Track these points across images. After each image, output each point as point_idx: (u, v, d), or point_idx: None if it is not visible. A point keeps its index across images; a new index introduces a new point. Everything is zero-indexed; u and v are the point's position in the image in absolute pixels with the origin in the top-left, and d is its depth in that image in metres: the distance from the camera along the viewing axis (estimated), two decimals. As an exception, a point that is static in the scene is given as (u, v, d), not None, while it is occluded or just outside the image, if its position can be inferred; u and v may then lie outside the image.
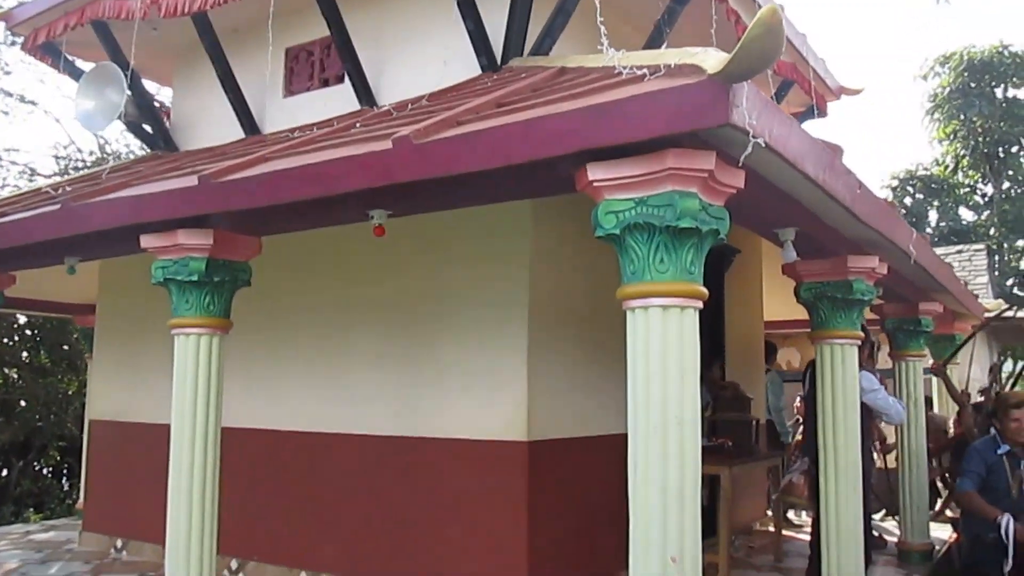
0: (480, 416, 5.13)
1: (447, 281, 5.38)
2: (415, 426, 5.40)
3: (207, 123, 7.50)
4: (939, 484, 8.92)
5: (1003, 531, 5.37)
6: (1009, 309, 10.33)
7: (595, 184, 2.94)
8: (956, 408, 8.39)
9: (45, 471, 14.58)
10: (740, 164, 2.81)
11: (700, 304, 2.97)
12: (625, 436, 5.84)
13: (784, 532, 7.45)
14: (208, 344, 4.31)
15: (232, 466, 6.26)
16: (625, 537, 5.85)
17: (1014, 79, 20.14)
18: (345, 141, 3.76)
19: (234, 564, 6.19)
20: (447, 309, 5.35)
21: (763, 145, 2.76)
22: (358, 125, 4.63)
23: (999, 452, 5.28)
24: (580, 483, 5.40)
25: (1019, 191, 20.19)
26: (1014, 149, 20.33)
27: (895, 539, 7.27)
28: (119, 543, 7.06)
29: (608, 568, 5.67)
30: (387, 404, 5.55)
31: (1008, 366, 18.33)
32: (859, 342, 5.10)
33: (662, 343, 2.87)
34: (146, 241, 4.26)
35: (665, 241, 2.87)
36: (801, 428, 6.15)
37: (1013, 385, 7.94)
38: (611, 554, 5.77)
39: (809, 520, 8.92)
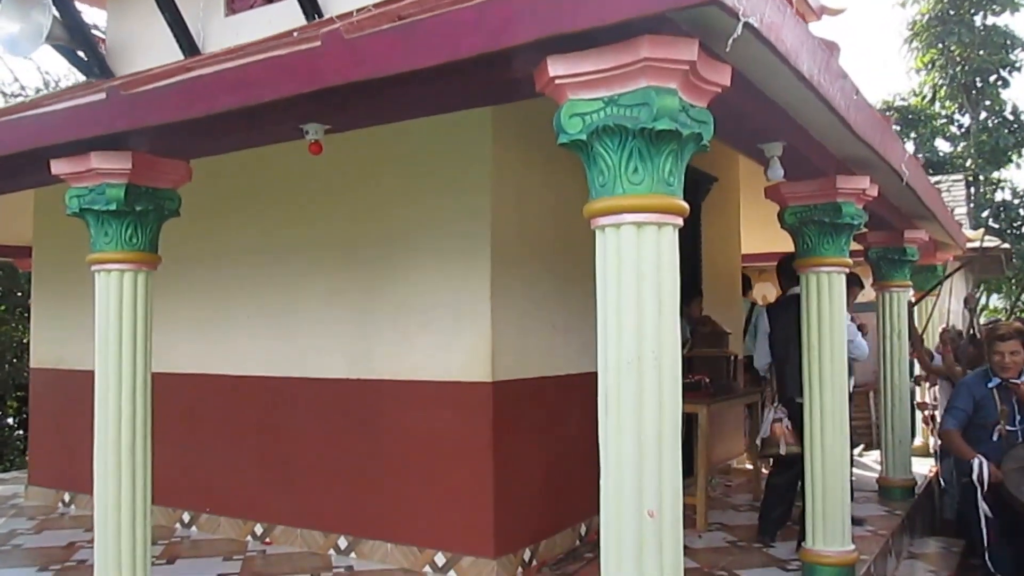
0: (441, 356, 4.74)
1: (402, 210, 4.93)
2: (372, 368, 5.01)
3: (145, 47, 6.91)
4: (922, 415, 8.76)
5: (975, 474, 5.15)
6: (990, 241, 10.12)
7: (557, 82, 2.50)
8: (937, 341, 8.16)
9: (7, 421, 14.13)
10: (727, 48, 2.38)
11: (680, 221, 2.57)
12: (596, 374, 5.57)
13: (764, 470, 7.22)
14: (132, 281, 3.86)
15: (180, 415, 5.90)
16: (598, 481, 5.59)
17: (993, 6, 19.68)
18: (275, 47, 3.27)
19: (186, 517, 5.84)
20: (403, 240, 4.92)
21: (754, 27, 2.33)
22: (296, 35, 4.13)
23: (989, 385, 5.00)
24: (549, 425, 5.07)
25: (996, 121, 19.88)
26: (992, 78, 19.95)
27: (875, 475, 7.07)
28: (66, 497, 6.68)
29: (580, 514, 5.39)
30: (342, 345, 5.15)
31: (983, 300, 18.29)
32: (847, 270, 4.75)
33: (636, 266, 2.48)
34: (57, 167, 3.78)
35: (639, 147, 2.45)
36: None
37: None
38: (584, 499, 5.48)
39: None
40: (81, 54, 7.31)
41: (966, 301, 7.17)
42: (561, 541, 5.14)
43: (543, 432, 5.01)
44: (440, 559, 4.70)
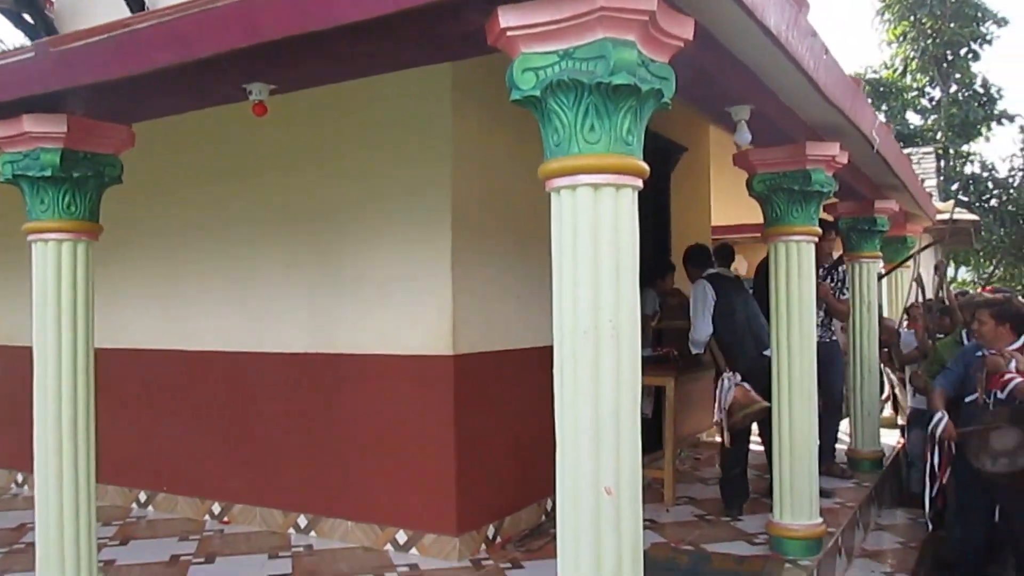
0: (402, 329, 4.59)
1: (360, 178, 4.75)
2: (331, 341, 4.85)
3: (94, 10, 6.66)
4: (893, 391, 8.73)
5: (930, 426, 5.09)
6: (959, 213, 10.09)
7: (508, 34, 2.35)
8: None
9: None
10: (688, -5, 2.23)
11: (639, 183, 2.43)
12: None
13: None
14: (72, 252, 3.66)
15: (134, 392, 5.72)
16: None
17: (964, -22, 19.65)
18: (215, 2, 3.07)
19: (143, 496, 5.67)
20: (362, 210, 4.74)
21: (717, -24, 2.19)
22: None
23: (978, 354, 4.94)
24: (513, 399, 4.94)
25: (967, 95, 19.92)
26: (963, 51, 19.97)
27: (844, 446, 7.04)
28: (19, 477, 6.48)
29: (545, 489, 5.28)
30: (300, 318, 4.98)
31: (950, 271, 18.42)
32: (816, 239, 4.65)
33: (592, 230, 2.34)
34: (-14, 130, 3.56)
35: (596, 103, 2.30)
36: None
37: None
38: (548, 474, 5.37)
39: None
40: (28, 18, 7.04)
41: (936, 268, 7.09)
42: (526, 517, 5.04)
43: (506, 406, 4.89)
44: (401, 537, 4.59)
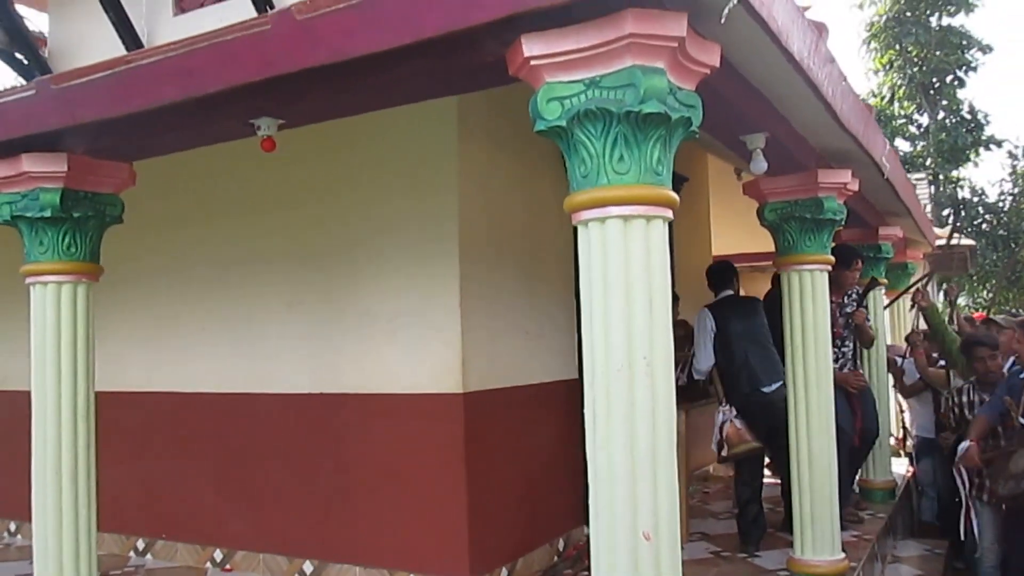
0: (409, 367, 4.47)
1: (364, 213, 4.66)
2: (336, 381, 4.72)
3: (89, 49, 6.55)
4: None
5: (958, 456, 4.99)
6: (957, 234, 10.06)
7: (532, 63, 2.28)
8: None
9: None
10: (722, 20, 2.17)
11: (670, 214, 2.36)
12: (572, 382, 5.33)
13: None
14: (72, 294, 3.57)
15: (132, 436, 5.57)
16: (581, 492, 5.34)
17: (948, 7, 19.88)
18: (223, 34, 3.00)
19: (140, 544, 5.50)
20: (366, 246, 4.65)
21: (750, 0, 2.13)
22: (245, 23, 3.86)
23: (1022, 376, 4.86)
24: (523, 436, 4.83)
25: (954, 121, 20.07)
26: (948, 78, 20.15)
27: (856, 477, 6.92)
28: (12, 526, 6.28)
29: (560, 526, 5.16)
30: (303, 357, 4.86)
31: (942, 295, 18.41)
32: (829, 267, 4.59)
33: (624, 263, 2.25)
34: (-16, 171, 3.47)
35: (625, 132, 2.23)
36: None
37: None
38: (561, 512, 5.27)
39: None
40: (22, 58, 6.95)
41: (946, 292, 7.00)
42: (538, 558, 4.89)
43: (517, 444, 4.77)
44: (412, 582, 4.44)
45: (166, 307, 5.43)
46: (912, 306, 6.97)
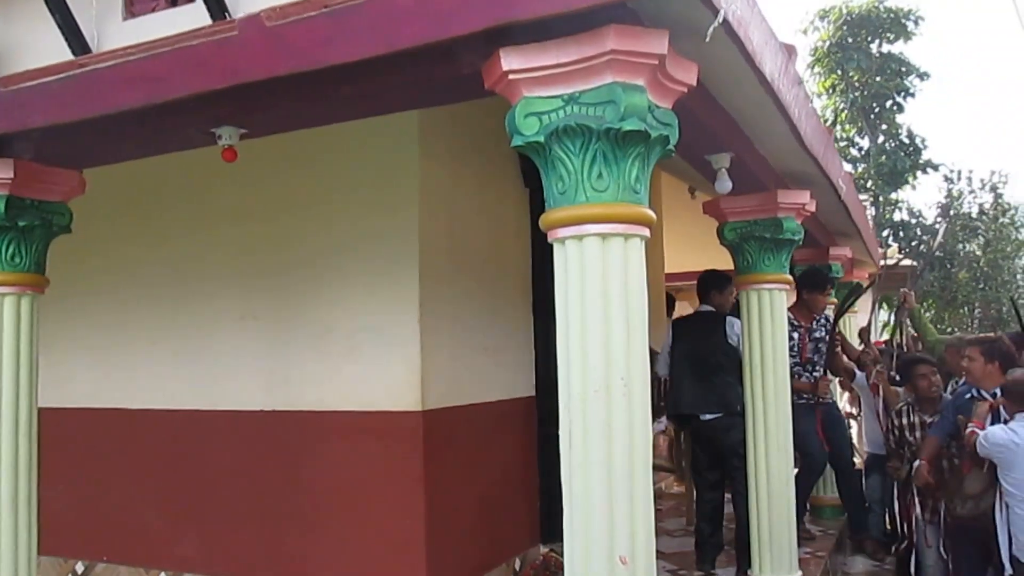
0: (367, 384, 4.38)
1: (323, 226, 4.56)
2: (290, 398, 4.60)
3: (35, 53, 6.32)
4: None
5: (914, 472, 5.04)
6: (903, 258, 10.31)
7: (511, 77, 2.24)
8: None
9: None
10: (707, 39, 2.16)
11: (647, 232, 2.33)
12: (530, 400, 5.29)
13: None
14: (15, 307, 3.40)
15: (73, 454, 5.34)
16: (538, 511, 5.29)
17: (888, 35, 20.47)
18: (186, 39, 2.89)
19: (80, 567, 5.27)
20: (325, 260, 4.55)
21: (728, 22, 2.12)
22: (210, 27, 3.75)
23: (967, 397, 4.92)
24: (482, 456, 4.76)
25: (893, 144, 20.62)
26: (888, 103, 20.71)
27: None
28: None
29: (517, 546, 5.10)
30: (256, 374, 4.72)
31: (883, 315, 18.87)
32: (788, 287, 4.64)
33: (602, 282, 2.22)
34: (-76, 176, 3.30)
35: (604, 150, 2.20)
36: None
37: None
38: (518, 532, 5.21)
39: None
40: (-41, 60, 6.69)
41: (897, 311, 7.04)
42: (496, 578, 4.82)
43: (475, 463, 4.70)
44: (367, 605, 4.33)
45: (114, 321, 5.23)
46: (894, 309, 6.99)
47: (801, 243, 4.69)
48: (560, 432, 2.29)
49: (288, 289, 4.63)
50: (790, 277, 4.63)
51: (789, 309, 6.10)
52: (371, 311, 4.39)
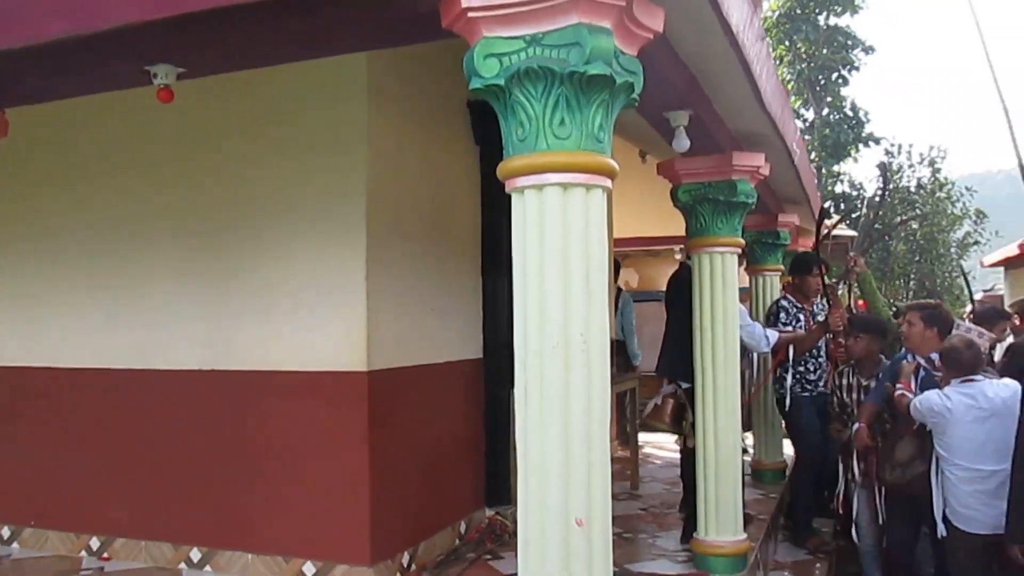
0: (311, 343, 4.24)
1: (265, 177, 4.37)
2: (231, 357, 4.43)
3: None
4: None
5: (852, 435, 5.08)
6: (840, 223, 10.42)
7: (470, 15, 2.12)
8: None
9: None
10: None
11: (610, 183, 2.24)
12: (477, 362, 5.21)
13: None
14: (-69, 255, 3.17)
15: (0, 414, 5.12)
16: (483, 474, 5.23)
17: (835, 7, 20.67)
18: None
19: (6, 532, 5.06)
20: (267, 214, 4.36)
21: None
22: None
23: (904, 361, 4.96)
24: (428, 417, 4.67)
25: (837, 117, 20.92)
26: (834, 76, 20.96)
27: (749, 458, 7.08)
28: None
29: (462, 509, 5.04)
30: (195, 332, 4.54)
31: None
32: (740, 250, 4.61)
33: (562, 234, 2.13)
34: None
35: (567, 95, 2.10)
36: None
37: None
38: (463, 495, 5.14)
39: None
40: None
41: (847, 276, 7.04)
42: (440, 541, 4.75)
43: (421, 425, 4.60)
44: (310, 569, 4.22)
45: (42, 275, 4.99)
46: (844, 274, 6.99)
47: (753, 206, 4.66)
48: (515, 390, 2.20)
49: (228, 245, 4.45)
50: (742, 240, 4.61)
51: (788, 294, 6.16)
52: (316, 268, 4.24)
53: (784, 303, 6.01)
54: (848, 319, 5.86)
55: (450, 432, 4.92)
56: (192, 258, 4.54)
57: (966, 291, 6.39)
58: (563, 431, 2.10)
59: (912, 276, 19.41)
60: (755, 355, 6.07)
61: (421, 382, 4.60)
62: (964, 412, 3.98)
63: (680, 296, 4.94)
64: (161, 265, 4.62)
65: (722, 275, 4.46)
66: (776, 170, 5.03)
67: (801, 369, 5.81)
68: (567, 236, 2.12)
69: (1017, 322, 6.75)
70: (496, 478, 5.34)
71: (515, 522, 5.20)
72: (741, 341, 4.79)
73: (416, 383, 4.56)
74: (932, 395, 4.22)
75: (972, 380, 4.07)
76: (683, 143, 3.69)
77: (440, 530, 4.76)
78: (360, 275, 4.15)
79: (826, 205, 20.09)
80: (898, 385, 4.60)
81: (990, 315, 5.70)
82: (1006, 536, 3.60)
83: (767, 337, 5.29)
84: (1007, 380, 4.18)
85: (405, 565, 4.39)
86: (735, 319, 4.53)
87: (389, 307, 4.31)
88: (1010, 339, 5.86)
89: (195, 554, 4.49)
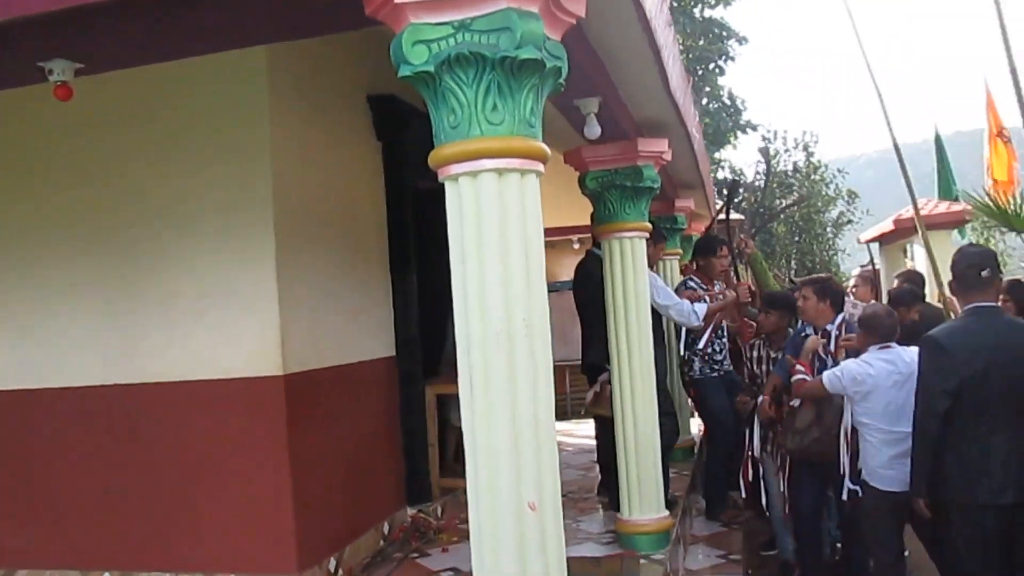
0: (222, 350, 4.08)
1: (165, 181, 4.16)
2: (136, 370, 4.21)
3: None
4: None
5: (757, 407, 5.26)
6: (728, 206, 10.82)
7: (396, 1, 2.08)
8: None
9: None
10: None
11: (542, 167, 2.24)
12: (391, 360, 5.15)
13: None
14: None
15: None
16: (403, 473, 5.17)
17: (709, 0, 21.42)
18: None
19: None
20: (168, 217, 4.16)
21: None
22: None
23: (804, 334, 5.15)
24: (345, 420, 4.58)
25: (716, 106, 21.69)
26: (711, 66, 21.72)
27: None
28: None
29: (384, 510, 4.97)
30: (95, 345, 4.28)
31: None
32: (647, 235, 4.71)
33: (500, 220, 2.12)
34: None
35: (499, 80, 2.09)
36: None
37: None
38: (385, 495, 5.07)
39: None
40: None
41: (737, 258, 7.26)
42: (365, 544, 4.67)
43: (339, 427, 4.51)
44: (233, 583, 4.08)
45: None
46: (736, 256, 7.15)
47: (658, 191, 4.77)
48: (459, 379, 2.18)
49: (127, 250, 4.23)
50: (650, 225, 4.71)
51: (694, 275, 6.29)
52: (223, 272, 4.08)
53: (691, 283, 6.17)
54: (763, 296, 6.08)
55: (368, 433, 4.85)
56: (88, 265, 4.28)
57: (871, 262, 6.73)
58: (511, 417, 2.10)
59: (793, 255, 20.34)
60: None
61: (337, 384, 4.51)
62: (886, 378, 4.11)
63: (590, 285, 5.03)
64: (54, 277, 4.34)
65: (632, 259, 4.55)
66: (676, 156, 5.16)
67: (709, 351, 5.97)
68: (505, 222, 2.11)
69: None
70: (415, 476, 5.30)
71: (438, 519, 5.22)
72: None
73: (332, 385, 4.46)
74: (851, 365, 4.29)
75: (889, 347, 4.24)
76: (595, 130, 3.74)
77: (364, 532, 4.69)
78: (271, 277, 4.02)
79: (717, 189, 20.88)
80: (798, 366, 4.73)
81: (905, 296, 5.85)
82: (911, 490, 3.81)
83: (696, 312, 5.39)
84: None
85: (332, 571, 4.29)
86: (647, 301, 4.63)
87: (302, 309, 4.20)
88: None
89: (107, 579, 4.26)
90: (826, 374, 4.40)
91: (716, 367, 6.04)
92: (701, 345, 5.89)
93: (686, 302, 5.48)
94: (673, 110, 4.01)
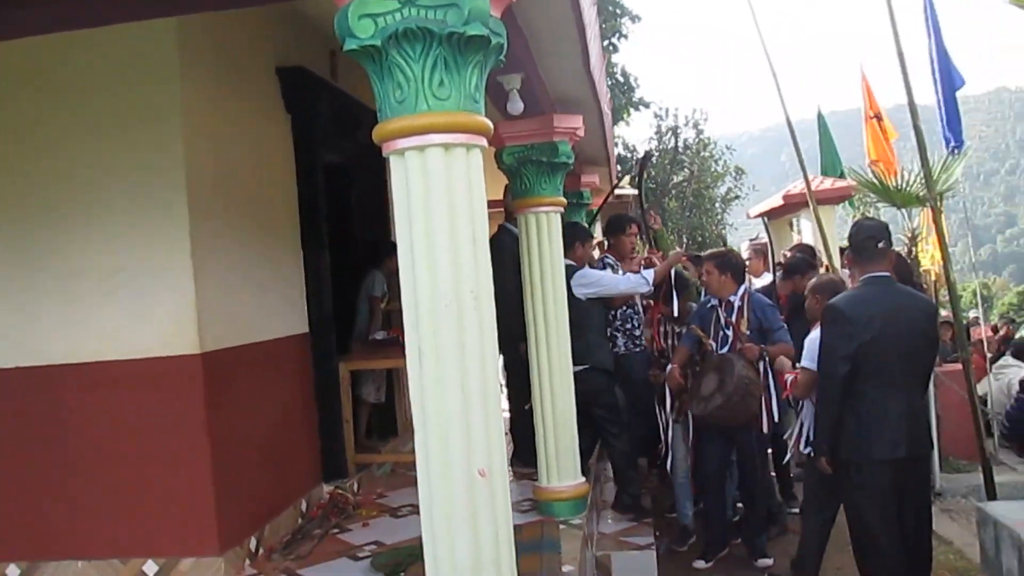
0: (135, 328, 3.94)
1: (69, 153, 3.97)
2: (40, 352, 4.02)
3: None
4: None
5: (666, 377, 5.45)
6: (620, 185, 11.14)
7: (340, -28, 2.07)
8: None
9: None
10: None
11: (485, 143, 2.29)
12: (304, 336, 5.10)
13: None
14: None
15: None
16: (319, 450, 5.14)
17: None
18: None
19: None
20: (72, 191, 3.97)
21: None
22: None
23: (709, 306, 5.34)
24: (264, 396, 4.53)
25: (610, 83, 22.03)
26: (604, 44, 22.01)
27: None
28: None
29: (302, 487, 4.95)
30: (-8, 327, 4.09)
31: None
32: (562, 209, 4.82)
33: (447, 194, 2.15)
34: None
35: (446, 56, 2.11)
36: None
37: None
38: (302, 472, 5.04)
39: None
40: None
41: (644, 232, 7.40)
42: (284, 522, 4.65)
43: (255, 405, 4.45)
44: (151, 568, 3.97)
45: None
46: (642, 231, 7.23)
47: (572, 166, 4.87)
48: (408, 351, 2.21)
49: (27, 226, 4.03)
50: (564, 200, 4.80)
51: (607, 252, 6.35)
52: (134, 248, 3.95)
53: (608, 260, 6.27)
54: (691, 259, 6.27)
55: (284, 410, 4.80)
56: (-16, 244, 4.07)
57: (769, 237, 7.01)
58: (460, 385, 2.15)
59: (684, 231, 20.98)
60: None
61: (253, 361, 4.45)
62: None
63: (505, 258, 5.08)
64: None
65: (548, 233, 4.65)
66: (588, 132, 5.27)
67: (628, 327, 6.09)
68: (452, 196, 2.15)
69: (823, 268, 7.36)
70: (331, 453, 5.28)
71: (355, 495, 5.22)
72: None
73: (248, 363, 4.40)
74: (817, 336, 4.26)
75: None
76: (517, 106, 3.80)
77: (283, 511, 4.66)
78: (185, 253, 3.92)
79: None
80: (787, 375, 4.77)
81: (800, 266, 6.15)
82: (813, 450, 4.06)
83: (644, 277, 5.38)
84: None
85: (253, 550, 4.26)
86: (562, 275, 4.74)
87: (217, 285, 4.11)
88: None
89: (13, 570, 4.09)
90: (805, 360, 4.39)
91: (638, 342, 6.13)
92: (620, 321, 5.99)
93: (630, 274, 5.58)
94: (589, 87, 4.11)
